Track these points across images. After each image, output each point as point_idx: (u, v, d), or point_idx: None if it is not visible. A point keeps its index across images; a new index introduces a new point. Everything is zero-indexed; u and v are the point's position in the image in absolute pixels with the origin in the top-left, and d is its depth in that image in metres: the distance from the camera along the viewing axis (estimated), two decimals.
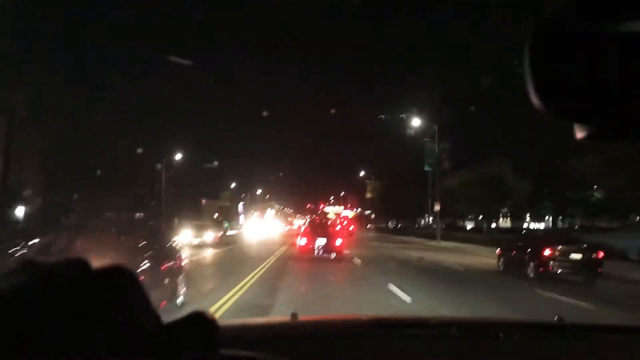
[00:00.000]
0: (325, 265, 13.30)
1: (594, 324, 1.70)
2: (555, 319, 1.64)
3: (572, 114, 0.53)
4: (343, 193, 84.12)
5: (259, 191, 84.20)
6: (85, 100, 25.37)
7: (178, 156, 37.86)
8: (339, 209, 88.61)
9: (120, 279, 0.53)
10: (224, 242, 26.26)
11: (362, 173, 63.16)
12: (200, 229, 24.40)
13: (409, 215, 55.48)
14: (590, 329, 1.61)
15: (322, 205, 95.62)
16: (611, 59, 0.49)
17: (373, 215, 67.04)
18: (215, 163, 56.11)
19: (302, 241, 14.80)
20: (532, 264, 11.32)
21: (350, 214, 72.99)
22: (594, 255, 10.79)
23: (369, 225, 73.16)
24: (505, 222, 51.23)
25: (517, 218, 46.19)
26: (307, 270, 12.54)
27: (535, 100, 0.52)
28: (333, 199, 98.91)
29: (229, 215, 67.62)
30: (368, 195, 58.59)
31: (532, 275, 11.27)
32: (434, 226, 41.35)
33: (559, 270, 10.76)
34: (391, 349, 1.39)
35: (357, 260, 14.80)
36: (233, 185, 70.85)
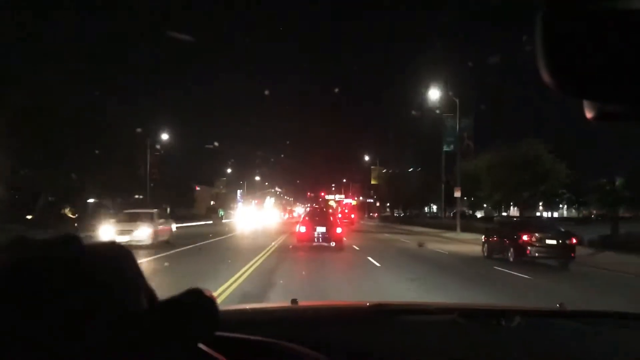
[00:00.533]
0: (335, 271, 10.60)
1: (595, 310, 1.71)
2: (557, 305, 1.73)
3: (583, 92, 0.54)
4: (345, 180, 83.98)
5: (257, 178, 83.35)
6: (63, 74, 24.19)
7: (168, 137, 34.83)
8: (340, 197, 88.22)
9: (113, 256, 0.54)
10: (196, 235, 20.50)
11: (366, 158, 60.94)
12: (130, 220, 16.17)
13: (419, 203, 53.12)
14: (592, 314, 1.66)
15: (323, 193, 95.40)
16: (624, 36, 0.50)
17: (378, 204, 65.26)
18: (216, 144, 57.05)
19: (301, 229, 15.07)
20: (511, 249, 12.29)
21: (351, 202, 72.98)
22: (567, 241, 11.73)
23: (372, 213, 72.48)
24: (514, 212, 50.22)
25: (530, 207, 43.29)
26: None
27: (546, 76, 0.53)
28: (334, 186, 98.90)
29: (225, 203, 65.62)
30: (373, 181, 56.86)
31: (511, 259, 12.23)
32: (440, 215, 40.94)
33: (536, 254, 11.72)
34: (393, 335, 1.44)
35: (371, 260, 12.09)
36: (229, 171, 69.60)
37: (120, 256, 0.54)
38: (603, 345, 1.44)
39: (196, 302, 0.57)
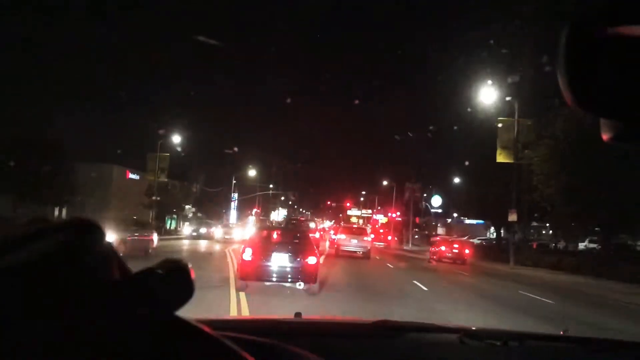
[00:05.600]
0: None
1: (600, 338, 2.34)
2: (561, 332, 2.38)
3: (604, 111, 0.73)
4: (385, 183, 73.57)
5: (252, 173, 68.87)
6: None
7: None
8: (366, 212, 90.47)
9: (79, 231, 0.69)
10: None
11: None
12: None
13: None
14: (596, 342, 2.24)
15: (348, 204, 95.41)
16: None
17: (512, 216, 31.28)
18: (235, 149, 54.58)
19: (245, 256, 12.35)
20: (437, 255, 31.73)
21: (382, 218, 74.99)
22: (463, 250, 30.96)
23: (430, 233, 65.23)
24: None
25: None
26: None
27: (566, 92, 0.71)
28: (365, 196, 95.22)
29: (172, 204, 50.47)
30: (500, 158, 29.80)
31: (435, 260, 31.66)
32: None
33: (446, 255, 31.14)
34: (396, 352, 1.95)
35: None
36: (178, 140, 46.53)
37: (87, 229, 0.70)
38: None
39: (170, 270, 0.73)
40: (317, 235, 31.68)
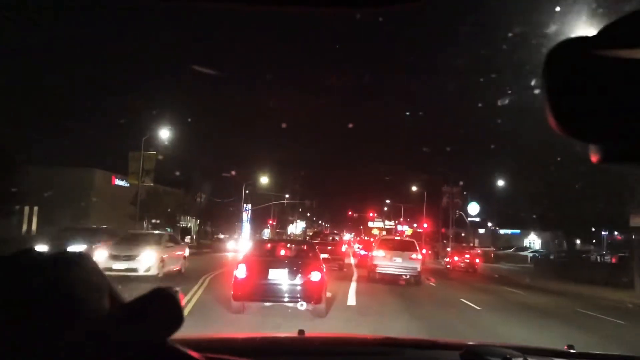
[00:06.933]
0: None
1: (602, 353, 2.46)
2: (564, 347, 2.44)
3: (588, 136, 0.77)
4: (415, 189, 67.41)
5: (264, 180, 62.80)
6: None
7: None
8: (389, 224, 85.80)
9: (74, 262, 0.75)
10: None
11: None
12: None
13: None
14: (599, 357, 2.39)
15: (372, 214, 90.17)
16: (628, 82, 0.73)
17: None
18: (233, 172, 51.80)
19: (240, 273, 11.22)
20: (452, 263, 38.00)
21: (408, 230, 70.48)
22: (474, 259, 35.05)
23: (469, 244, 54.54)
24: None
25: None
26: None
27: (552, 120, 0.76)
28: (389, 203, 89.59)
29: (162, 215, 44.38)
30: None
31: (450, 267, 37.50)
32: None
33: (460, 264, 35.66)
34: None
35: None
36: (165, 135, 37.11)
37: (81, 261, 0.76)
38: None
39: (159, 299, 0.77)
40: (343, 248, 28.42)
